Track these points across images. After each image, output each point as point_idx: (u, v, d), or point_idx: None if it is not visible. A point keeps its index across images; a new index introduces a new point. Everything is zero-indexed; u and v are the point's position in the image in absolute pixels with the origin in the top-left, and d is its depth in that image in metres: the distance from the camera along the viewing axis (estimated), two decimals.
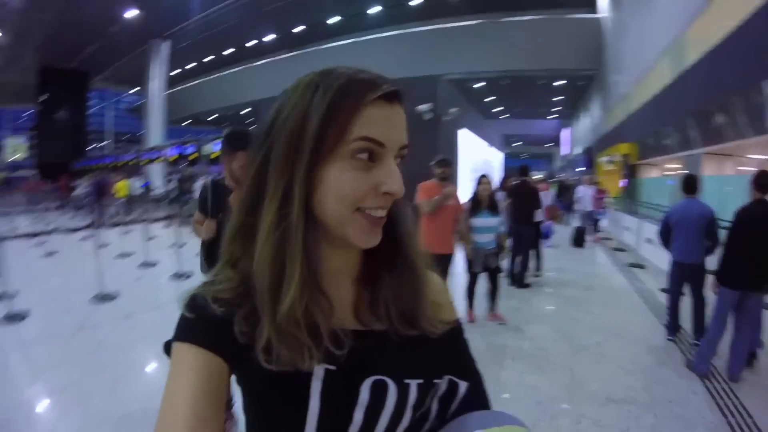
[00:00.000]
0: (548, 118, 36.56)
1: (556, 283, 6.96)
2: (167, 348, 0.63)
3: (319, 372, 0.59)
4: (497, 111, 32.29)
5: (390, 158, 0.60)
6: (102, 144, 37.97)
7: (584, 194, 10.94)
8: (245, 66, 27.04)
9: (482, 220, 4.87)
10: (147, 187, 18.90)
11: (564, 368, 3.91)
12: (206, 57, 27.50)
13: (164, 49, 23.60)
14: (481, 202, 4.86)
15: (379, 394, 0.62)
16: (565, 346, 4.44)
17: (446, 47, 18.31)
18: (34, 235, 8.30)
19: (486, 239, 4.88)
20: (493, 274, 5.04)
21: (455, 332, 0.75)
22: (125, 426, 2.94)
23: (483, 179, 4.88)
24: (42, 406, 3.22)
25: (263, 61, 25.91)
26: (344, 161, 0.58)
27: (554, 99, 28.62)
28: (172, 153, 20.24)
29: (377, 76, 0.61)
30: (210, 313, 0.58)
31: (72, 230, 11.68)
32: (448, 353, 0.73)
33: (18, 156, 38.71)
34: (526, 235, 6.52)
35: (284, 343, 0.57)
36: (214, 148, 17.59)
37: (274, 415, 0.60)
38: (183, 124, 34.69)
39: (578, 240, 10.44)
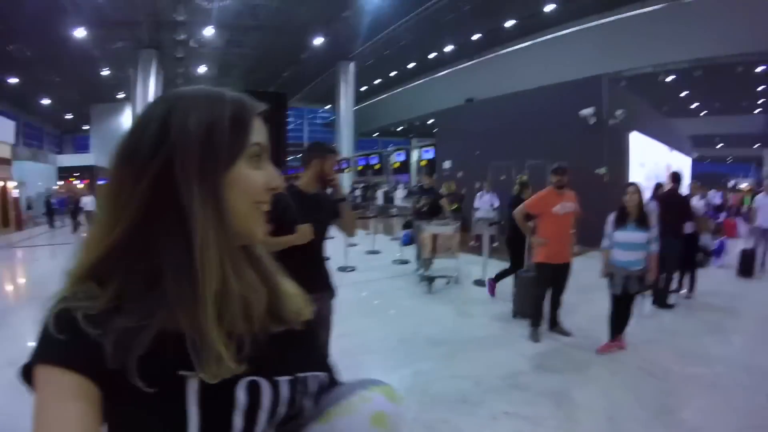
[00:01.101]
0: (754, 112, 29.97)
1: (705, 307, 5.97)
2: (25, 372, 0.57)
3: (192, 383, 0.59)
4: (689, 108, 28.87)
5: (266, 158, 0.69)
6: (299, 155, 43.28)
7: (764, 205, 7.82)
8: (427, 78, 28.17)
9: (627, 235, 4.16)
10: None
11: None
12: (391, 72, 29.27)
13: (351, 69, 25.79)
14: (629, 214, 4.18)
15: (254, 395, 0.63)
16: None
17: (626, 39, 16.85)
18: None
19: (630, 258, 4.16)
20: (630, 299, 4.27)
21: (310, 327, 0.77)
22: None
23: (630, 188, 4.26)
24: None
25: (444, 72, 26.54)
26: (244, 163, 0.64)
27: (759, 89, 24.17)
28: (360, 163, 22.08)
29: (249, 98, 0.70)
30: (81, 334, 0.55)
31: None
32: (309, 348, 0.77)
33: None
34: (673, 250, 5.62)
35: (146, 359, 0.56)
36: (396, 158, 18.94)
37: None
38: (373, 136, 37.35)
39: (745, 266, 7.70)
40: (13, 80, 26.60)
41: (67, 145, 43.46)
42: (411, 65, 27.77)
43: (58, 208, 19.34)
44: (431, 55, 25.89)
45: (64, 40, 20.28)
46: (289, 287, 0.77)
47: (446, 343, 4.65)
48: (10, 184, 18.64)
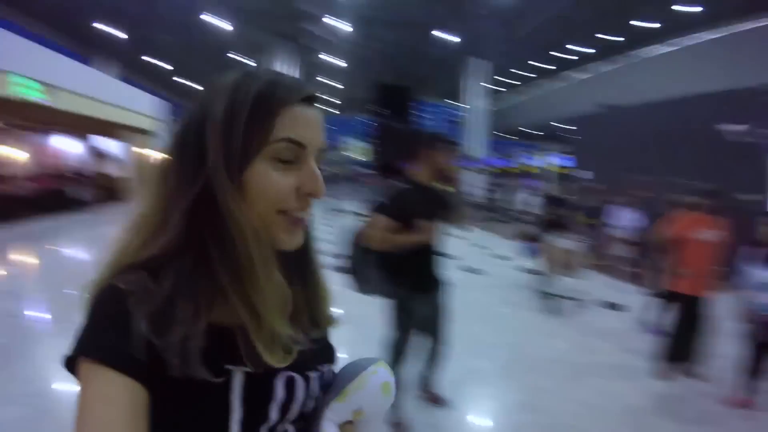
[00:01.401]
0: None
1: None
2: (69, 363, 0.56)
3: (238, 376, 0.61)
4: None
5: (311, 160, 0.62)
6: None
7: None
8: (566, 81, 27.05)
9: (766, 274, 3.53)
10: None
11: None
12: (526, 72, 28.51)
13: (483, 66, 25.38)
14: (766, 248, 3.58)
15: (290, 389, 0.66)
16: None
17: None
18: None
19: None
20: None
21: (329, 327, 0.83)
22: None
23: (767, 219, 3.70)
24: None
25: (584, 75, 25.47)
26: (267, 163, 0.59)
27: None
28: (495, 165, 21.67)
29: (294, 80, 0.63)
30: (137, 335, 0.54)
31: None
32: (327, 343, 0.81)
33: (361, 156, 48.03)
34: None
35: (199, 356, 0.56)
36: (531, 162, 18.35)
37: (194, 429, 0.59)
38: (509, 138, 36.74)
39: None
40: (168, 67, 29.81)
41: None
42: (547, 66, 26.79)
43: None
44: (568, 57, 24.77)
45: (206, 31, 22.12)
46: (327, 292, 0.78)
47: (562, 364, 4.47)
48: (159, 155, 21.02)
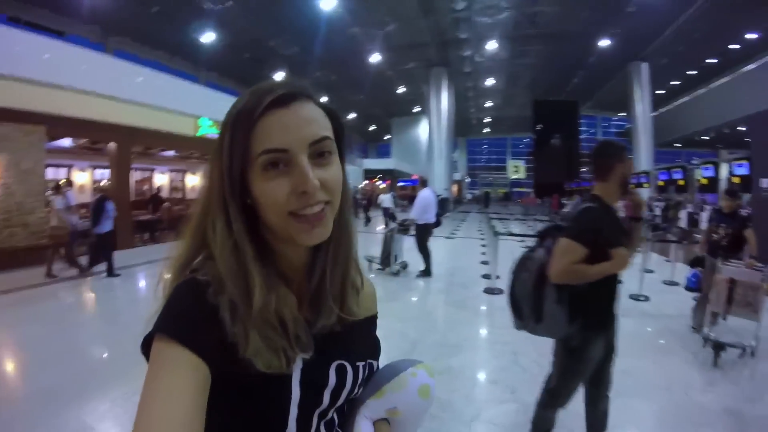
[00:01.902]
0: None
1: None
2: (146, 344, 0.60)
3: (297, 361, 0.65)
4: None
5: (299, 159, 0.62)
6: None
7: None
8: (733, 75, 23.92)
9: None
10: None
11: None
12: (688, 71, 25.97)
13: (644, 70, 23.67)
14: None
15: (341, 376, 0.71)
16: None
17: None
18: (522, 237, 10.01)
19: None
20: None
21: (373, 321, 0.89)
22: None
23: None
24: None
25: (752, 66, 22.25)
26: (260, 175, 0.62)
27: None
28: (661, 177, 19.63)
29: (267, 87, 0.64)
30: (210, 316, 0.59)
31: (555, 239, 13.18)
32: (373, 338, 0.87)
33: (518, 175, 46.96)
34: None
35: (264, 346, 0.61)
36: (703, 173, 16.20)
37: (257, 411, 0.62)
38: (674, 146, 33.47)
39: None
40: (323, 99, 32.48)
41: (372, 151, 51.10)
42: (710, 61, 23.98)
43: (362, 203, 22.16)
44: (733, 47, 21.93)
45: (363, 65, 23.69)
46: (364, 284, 0.84)
47: (734, 417, 3.60)
48: None
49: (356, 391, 0.75)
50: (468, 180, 53.13)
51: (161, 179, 18.48)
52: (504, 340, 4.78)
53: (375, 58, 22.69)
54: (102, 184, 12.11)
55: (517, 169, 47.16)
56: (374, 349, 0.84)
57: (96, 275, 8.20)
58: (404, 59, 24.21)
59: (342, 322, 0.73)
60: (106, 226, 8.11)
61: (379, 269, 8.28)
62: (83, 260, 8.44)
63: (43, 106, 9.38)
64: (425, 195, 8.02)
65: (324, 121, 0.67)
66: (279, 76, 24.68)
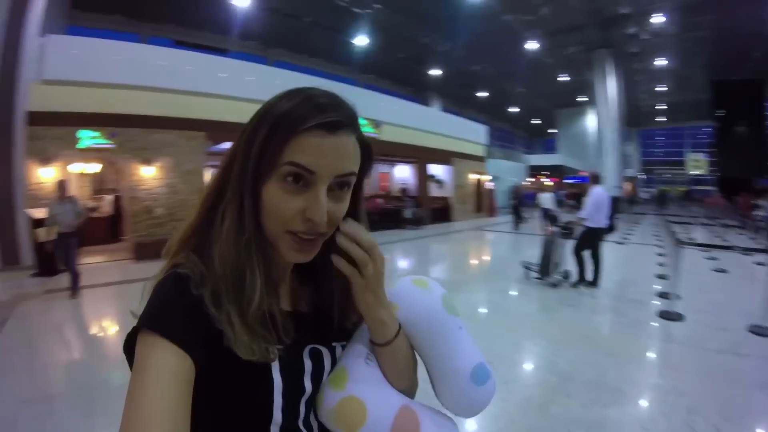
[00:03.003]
0: None
1: None
2: (131, 340, 0.60)
3: (275, 350, 0.65)
4: None
5: (319, 186, 0.63)
6: None
7: None
8: None
9: None
10: None
11: None
12: None
13: None
14: None
15: (317, 360, 0.72)
16: None
17: None
18: (707, 247, 8.50)
19: None
20: None
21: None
22: None
23: None
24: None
25: None
26: (277, 184, 0.63)
27: None
28: None
29: (322, 105, 0.63)
30: (188, 300, 0.60)
31: (747, 251, 11.16)
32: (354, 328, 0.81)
33: (699, 170, 41.32)
34: None
35: (250, 338, 0.61)
36: None
37: (241, 401, 0.63)
38: None
39: None
40: (483, 94, 31.88)
41: (537, 146, 48.83)
42: None
43: (526, 201, 21.21)
44: None
45: (520, 55, 22.74)
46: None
47: None
48: (485, 178, 22.39)
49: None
50: (642, 177, 48.37)
51: None
52: (679, 390, 3.63)
53: (532, 45, 21.76)
54: None
55: (697, 164, 41.69)
56: (355, 327, 0.81)
57: None
58: (563, 44, 22.88)
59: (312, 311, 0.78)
60: None
61: (537, 278, 7.47)
62: None
63: (203, 114, 11.05)
64: (598, 193, 7.06)
65: (357, 156, 0.68)
66: (435, 72, 24.95)
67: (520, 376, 3.88)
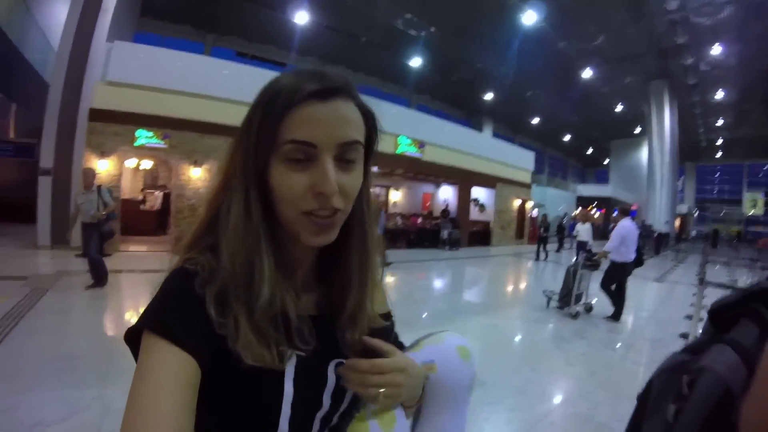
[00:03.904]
0: None
1: None
2: (133, 336, 0.58)
3: (291, 357, 0.63)
4: None
5: (324, 158, 0.60)
6: None
7: None
8: None
9: None
10: None
11: None
12: None
13: None
14: None
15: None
16: None
17: None
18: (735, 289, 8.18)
19: None
20: None
21: (389, 320, 0.82)
22: None
23: None
24: None
25: None
26: (282, 165, 0.60)
27: None
28: None
29: (308, 76, 0.61)
30: (191, 299, 0.58)
31: None
32: (386, 337, 0.77)
33: (755, 211, 39.16)
34: None
35: (257, 340, 0.59)
36: None
37: (246, 407, 0.60)
38: None
39: None
40: (535, 120, 31.52)
41: (589, 176, 47.65)
42: None
43: (569, 233, 20.71)
44: None
45: (575, 83, 22.61)
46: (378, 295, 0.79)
47: None
48: (529, 204, 22.12)
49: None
50: (696, 213, 46.28)
51: None
52: None
53: (587, 74, 21.40)
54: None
55: (755, 204, 39.49)
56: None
57: None
58: (619, 73, 22.52)
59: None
60: (379, 230, 9.71)
61: (557, 308, 7.35)
62: None
63: None
64: (624, 226, 6.92)
65: (360, 125, 0.64)
66: (489, 96, 25.06)
67: (504, 400, 3.77)
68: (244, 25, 19.42)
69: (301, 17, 17.94)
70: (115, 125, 10.19)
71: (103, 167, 10.16)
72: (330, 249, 0.69)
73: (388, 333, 0.80)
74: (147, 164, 13.78)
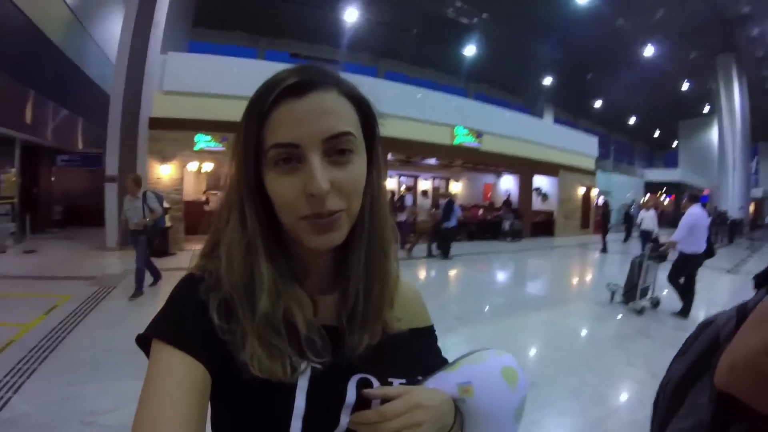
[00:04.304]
0: None
1: None
2: (143, 341, 0.58)
3: (305, 369, 0.58)
4: None
5: (310, 157, 0.56)
6: None
7: None
8: None
9: None
10: None
11: None
12: None
13: None
14: None
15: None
16: None
17: None
18: None
19: None
20: None
21: (425, 334, 0.78)
22: None
23: None
24: None
25: None
26: (272, 171, 0.57)
27: None
28: None
29: (286, 73, 0.58)
30: (208, 322, 0.56)
31: None
32: (422, 355, 0.74)
33: None
34: None
35: (264, 351, 0.56)
36: None
37: (254, 419, 0.57)
38: None
39: None
40: (597, 104, 30.07)
41: (657, 160, 44.93)
42: None
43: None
44: None
45: (636, 61, 21.49)
46: (406, 299, 0.76)
47: None
48: (594, 192, 21.15)
49: None
50: None
51: (424, 185, 20.09)
52: None
53: (648, 51, 20.25)
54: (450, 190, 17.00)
55: None
56: (422, 366, 0.69)
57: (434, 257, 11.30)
58: (683, 49, 21.17)
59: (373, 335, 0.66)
60: (453, 222, 11.00)
61: (621, 302, 6.89)
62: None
63: None
64: (694, 213, 6.19)
65: (348, 114, 0.60)
66: (547, 81, 24.34)
67: (556, 403, 3.59)
68: (295, 27, 19.78)
69: (351, 14, 18.05)
70: (174, 132, 10.65)
71: (166, 172, 10.67)
72: (346, 251, 0.65)
73: (417, 349, 0.74)
74: (208, 167, 14.31)
